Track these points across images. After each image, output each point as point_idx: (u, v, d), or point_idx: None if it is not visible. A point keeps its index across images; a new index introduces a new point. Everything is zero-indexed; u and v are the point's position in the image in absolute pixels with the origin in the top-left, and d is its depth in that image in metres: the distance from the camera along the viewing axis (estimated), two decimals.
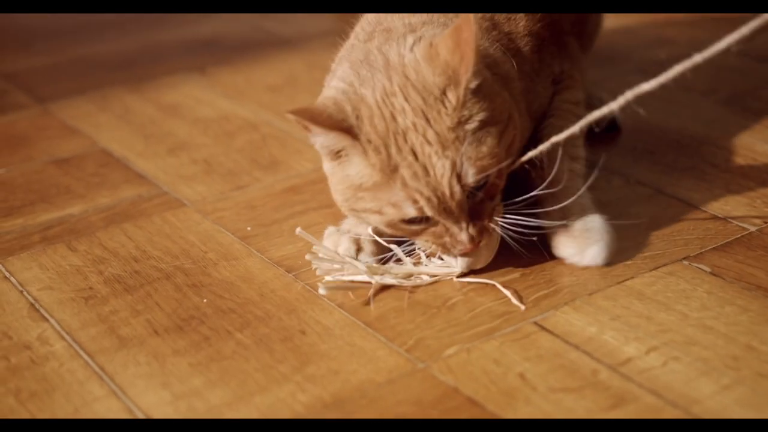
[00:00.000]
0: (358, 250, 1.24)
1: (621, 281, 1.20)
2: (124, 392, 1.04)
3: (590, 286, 1.20)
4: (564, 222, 1.24)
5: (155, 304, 1.19)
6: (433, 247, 1.18)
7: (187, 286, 1.22)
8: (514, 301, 1.17)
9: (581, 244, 1.23)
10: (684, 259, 1.25)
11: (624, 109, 1.67)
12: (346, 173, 1.15)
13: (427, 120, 1.11)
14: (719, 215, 1.35)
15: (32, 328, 1.15)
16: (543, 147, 1.19)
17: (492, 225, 1.17)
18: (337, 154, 1.14)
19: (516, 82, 1.27)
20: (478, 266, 1.23)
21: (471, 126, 1.12)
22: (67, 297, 1.20)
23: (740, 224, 1.32)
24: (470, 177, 1.12)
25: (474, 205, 1.15)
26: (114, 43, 2.14)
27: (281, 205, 1.41)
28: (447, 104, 1.12)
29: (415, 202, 1.12)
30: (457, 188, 1.12)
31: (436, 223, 1.15)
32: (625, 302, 1.16)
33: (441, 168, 1.11)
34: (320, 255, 1.22)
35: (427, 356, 1.08)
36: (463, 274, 1.22)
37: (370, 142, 1.12)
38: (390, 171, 1.12)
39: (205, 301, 1.19)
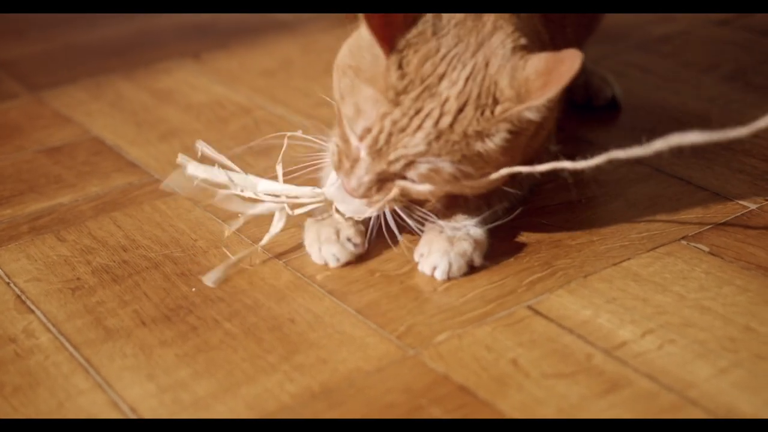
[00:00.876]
0: (338, 231, 1.22)
1: (617, 262, 1.18)
2: (109, 385, 1.02)
3: (586, 268, 1.17)
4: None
5: (143, 294, 1.17)
6: (334, 150, 1.16)
7: (175, 275, 1.20)
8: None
9: (434, 246, 1.18)
10: (682, 238, 1.22)
11: (623, 87, 1.65)
12: (361, 53, 1.12)
13: (461, 110, 1.08)
14: (719, 193, 1.32)
15: (18, 321, 1.13)
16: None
17: (379, 199, 1.14)
18: (364, 44, 1.12)
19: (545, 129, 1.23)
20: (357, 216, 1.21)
21: (479, 146, 1.09)
22: (54, 288, 1.19)
23: (740, 202, 1.30)
24: (413, 175, 1.11)
25: (386, 176, 1.12)
26: (108, 29, 2.11)
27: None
28: (487, 113, 1.08)
29: (368, 130, 1.10)
30: (397, 166, 1.10)
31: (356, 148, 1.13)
32: (621, 284, 1.14)
33: (412, 147, 1.08)
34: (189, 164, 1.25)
35: (418, 343, 1.06)
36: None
37: (400, 68, 1.08)
38: (392, 97, 1.08)
39: (193, 290, 1.17)
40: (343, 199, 1.19)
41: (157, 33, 2.08)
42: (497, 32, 1.11)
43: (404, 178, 1.12)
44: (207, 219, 1.32)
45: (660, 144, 1.06)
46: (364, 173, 1.13)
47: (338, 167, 1.16)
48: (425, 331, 1.08)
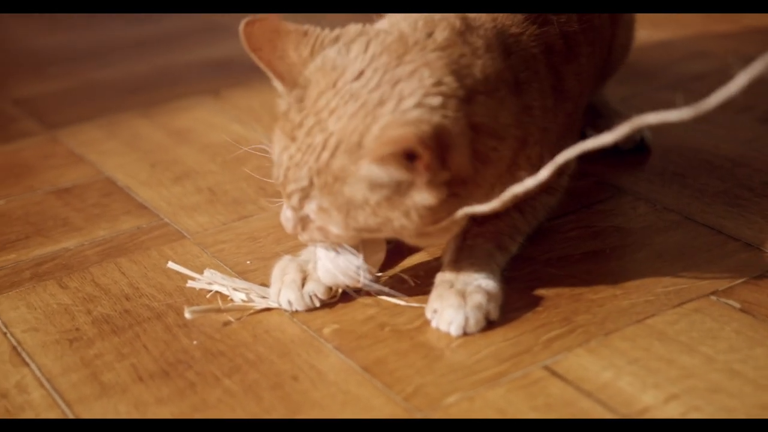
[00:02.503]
0: (305, 278, 1.17)
1: (641, 319, 1.11)
2: None
3: (608, 325, 1.11)
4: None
5: (143, 346, 1.12)
6: None
7: (177, 326, 1.15)
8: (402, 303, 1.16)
9: (447, 302, 1.12)
10: (712, 293, 1.15)
11: (653, 128, 1.59)
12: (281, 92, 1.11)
13: (337, 147, 1.02)
14: (753, 244, 1.25)
15: (11, 374, 1.09)
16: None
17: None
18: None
19: (534, 132, 1.15)
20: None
21: (350, 193, 1.03)
22: (52, 339, 1.14)
23: None
24: (308, 210, 1.08)
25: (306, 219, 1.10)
26: (127, 66, 2.09)
27: (284, 237, 1.34)
28: (358, 162, 1.02)
29: (276, 166, 1.09)
30: (295, 202, 1.08)
31: None
32: (644, 343, 1.07)
33: (298, 179, 1.06)
34: (199, 285, 1.22)
35: (426, 405, 1.00)
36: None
37: (300, 101, 1.06)
38: (290, 132, 1.06)
39: (195, 342, 1.12)
40: (333, 280, 1.16)
41: (177, 70, 2.06)
42: (414, 76, 1.04)
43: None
44: (215, 266, 1.27)
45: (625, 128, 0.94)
46: (285, 209, 1.11)
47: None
48: (434, 392, 1.02)
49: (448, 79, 1.04)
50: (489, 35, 1.12)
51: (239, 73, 1.98)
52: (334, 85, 1.05)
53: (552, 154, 1.17)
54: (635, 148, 1.53)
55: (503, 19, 1.16)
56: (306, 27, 1.09)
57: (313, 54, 1.07)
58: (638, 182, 1.43)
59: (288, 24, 1.09)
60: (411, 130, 0.99)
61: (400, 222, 1.05)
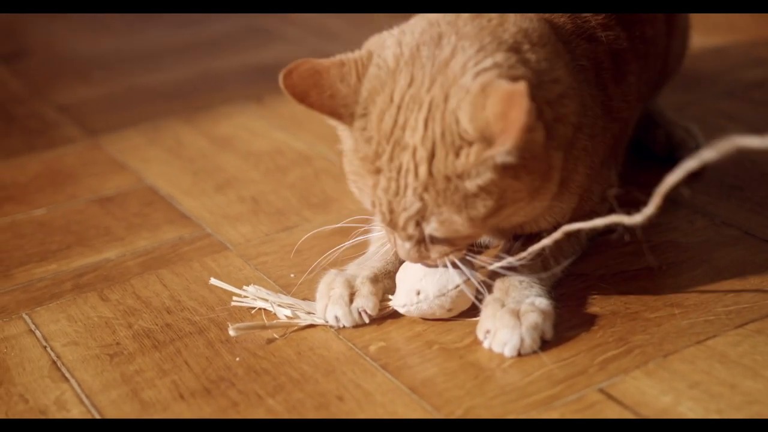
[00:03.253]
0: (353, 294, 1.14)
1: (701, 340, 1.06)
2: None
3: (666, 346, 1.06)
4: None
5: (184, 362, 1.09)
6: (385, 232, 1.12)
7: (220, 342, 1.12)
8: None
9: (501, 322, 1.08)
10: None
11: (709, 138, 1.53)
12: (341, 133, 1.08)
13: (432, 154, 1.00)
14: None
15: (51, 390, 1.06)
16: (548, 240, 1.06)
17: (439, 261, 1.08)
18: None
19: (584, 131, 1.12)
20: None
21: (468, 186, 1.00)
22: (92, 354, 1.12)
23: None
24: (430, 230, 1.04)
25: (422, 238, 1.06)
26: (171, 71, 2.07)
27: (329, 249, 1.30)
28: (462, 154, 0.99)
29: (373, 205, 1.05)
30: (410, 228, 1.04)
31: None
32: (705, 366, 1.02)
33: (408, 204, 1.02)
34: (243, 302, 1.19)
35: None
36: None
37: (364, 131, 1.03)
38: (372, 168, 1.03)
39: (237, 359, 1.09)
40: (422, 315, 1.13)
41: (219, 75, 2.03)
42: (456, 56, 1.02)
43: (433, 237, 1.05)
44: (257, 279, 1.25)
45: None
46: (401, 243, 1.07)
47: (391, 243, 1.11)
48: (485, 414, 0.98)
49: (483, 54, 1.01)
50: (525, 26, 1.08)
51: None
52: (392, 100, 1.02)
53: (593, 173, 1.15)
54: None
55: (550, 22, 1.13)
56: (339, 57, 1.05)
57: (360, 78, 1.04)
58: (695, 195, 1.38)
59: (322, 61, 1.05)
60: (520, 91, 0.94)
61: (512, 190, 1.02)
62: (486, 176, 1.00)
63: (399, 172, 1.01)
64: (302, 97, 1.04)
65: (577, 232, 1.21)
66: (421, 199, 1.01)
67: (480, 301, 1.11)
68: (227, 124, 1.77)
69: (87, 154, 1.68)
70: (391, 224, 1.05)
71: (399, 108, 1.01)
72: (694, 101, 1.72)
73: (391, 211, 1.04)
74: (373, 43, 1.08)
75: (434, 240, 1.06)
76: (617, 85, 1.20)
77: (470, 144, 0.99)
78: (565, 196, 1.13)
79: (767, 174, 1.43)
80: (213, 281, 1.21)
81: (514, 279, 1.12)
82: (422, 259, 1.08)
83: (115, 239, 1.38)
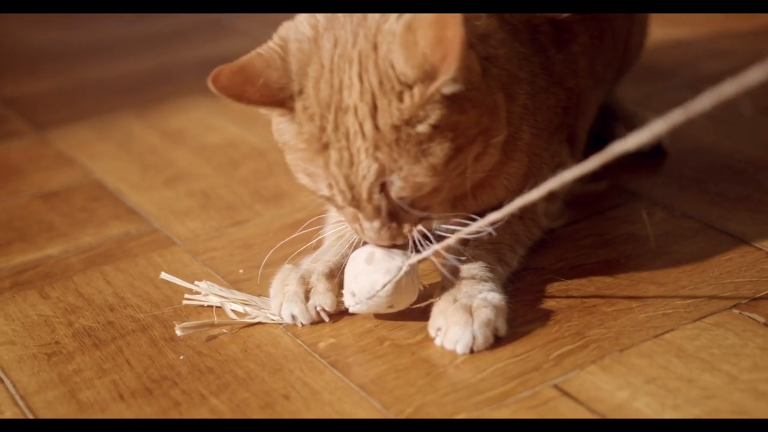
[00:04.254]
0: (308, 290, 1.10)
1: (659, 334, 1.04)
2: None
3: (623, 340, 1.03)
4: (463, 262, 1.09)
5: (125, 361, 1.05)
6: (348, 224, 1.07)
7: (163, 339, 1.08)
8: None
9: (452, 318, 1.04)
10: (734, 307, 1.08)
11: (670, 130, 1.51)
12: (279, 127, 1.03)
13: (374, 107, 0.96)
14: None
15: None
16: (507, 209, 0.99)
17: (410, 235, 1.04)
18: (270, 114, 1.03)
19: (523, 86, 1.10)
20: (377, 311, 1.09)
21: (420, 130, 0.96)
22: (29, 353, 1.07)
23: None
24: (396, 191, 1.00)
25: (395, 209, 1.02)
26: (124, 64, 2.02)
27: (280, 244, 1.27)
28: (405, 98, 0.96)
29: (330, 186, 1.01)
30: (376, 196, 1.00)
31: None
32: (662, 360, 1.00)
33: (365, 169, 0.98)
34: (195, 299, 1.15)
35: None
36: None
37: (306, 108, 0.99)
38: (318, 146, 0.99)
39: (181, 357, 1.05)
40: (367, 312, 1.10)
41: (174, 68, 1.99)
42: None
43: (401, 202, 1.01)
44: (205, 275, 1.21)
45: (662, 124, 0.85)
46: (370, 225, 1.03)
47: (357, 233, 1.07)
48: (436, 413, 0.94)
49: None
50: None
51: None
52: (322, 65, 0.98)
53: (539, 134, 1.11)
54: (651, 152, 1.45)
55: None
56: (254, 51, 1.01)
57: (284, 58, 1.00)
58: (654, 187, 1.35)
59: (241, 59, 1.01)
60: (449, 14, 0.91)
61: (463, 127, 0.98)
62: (434, 114, 0.96)
63: (347, 138, 0.98)
64: (239, 96, 1.00)
65: (532, 214, 1.18)
66: (376, 159, 0.97)
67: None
68: (180, 117, 1.73)
69: (34, 149, 1.63)
70: (355, 201, 1.01)
71: (331, 71, 0.98)
72: (656, 93, 1.69)
73: (351, 187, 0.99)
74: (283, 28, 1.04)
75: (401, 208, 1.02)
76: (558, 50, 1.18)
77: (410, 86, 0.96)
78: (516, 154, 1.11)
79: (728, 166, 1.41)
80: (163, 275, 1.17)
81: (466, 273, 1.09)
82: (394, 238, 1.04)
83: (58, 235, 1.34)
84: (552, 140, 1.18)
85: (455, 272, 1.09)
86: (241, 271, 1.22)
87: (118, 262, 1.25)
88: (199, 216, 1.37)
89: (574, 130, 1.25)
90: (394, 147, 0.97)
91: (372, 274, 1.06)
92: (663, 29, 1.91)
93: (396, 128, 0.96)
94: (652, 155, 1.45)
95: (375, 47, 0.97)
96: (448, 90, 0.96)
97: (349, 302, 1.08)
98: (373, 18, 0.98)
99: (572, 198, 1.28)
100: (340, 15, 1.00)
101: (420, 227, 1.04)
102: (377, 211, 1.02)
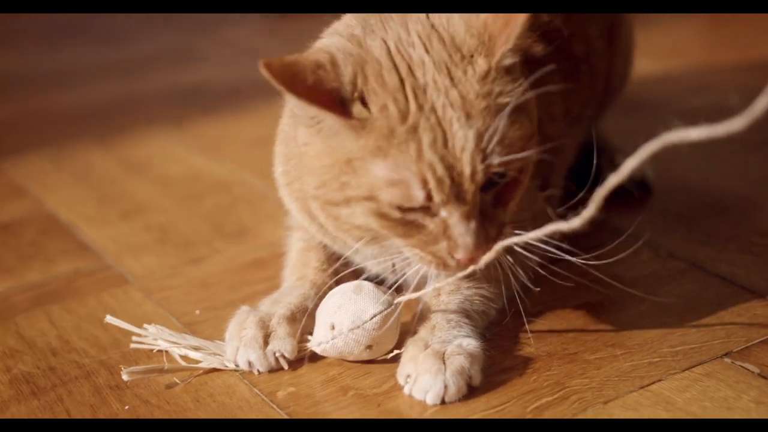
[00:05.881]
0: (268, 335, 1.02)
1: (645, 385, 0.97)
2: None
3: (607, 392, 0.96)
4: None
5: (64, 411, 0.96)
6: (422, 256, 0.95)
7: (109, 387, 1.00)
8: None
9: (423, 366, 0.96)
10: (725, 355, 1.01)
11: (656, 165, 1.45)
12: (331, 145, 0.92)
13: (452, 79, 0.92)
14: None
15: None
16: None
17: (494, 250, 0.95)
18: (320, 127, 0.93)
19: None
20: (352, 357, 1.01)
21: (504, 101, 0.92)
22: None
23: None
24: (496, 157, 0.90)
25: (484, 205, 0.94)
26: (87, 92, 1.95)
27: (240, 283, 1.19)
28: (476, 68, 0.92)
29: (425, 182, 0.90)
30: (479, 167, 0.90)
31: (434, 217, 0.92)
32: (649, 414, 0.93)
33: (463, 139, 0.90)
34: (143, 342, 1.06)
35: None
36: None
37: (374, 105, 0.90)
38: (404, 132, 0.90)
39: (126, 408, 0.96)
40: (340, 354, 1.01)
41: (139, 97, 1.93)
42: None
43: (489, 190, 0.94)
44: (158, 316, 1.12)
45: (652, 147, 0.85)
46: (472, 226, 0.92)
47: (440, 260, 0.95)
48: None
49: None
50: None
51: (208, 102, 1.85)
52: (379, 61, 0.93)
53: None
54: (637, 187, 1.38)
55: None
56: (301, 54, 0.94)
57: (334, 63, 0.92)
58: (639, 225, 1.27)
59: (289, 56, 0.93)
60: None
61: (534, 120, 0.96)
62: (509, 87, 0.93)
63: (434, 112, 0.91)
64: (291, 84, 0.90)
65: (522, 258, 1.11)
66: (471, 125, 0.90)
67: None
68: (143, 147, 1.66)
69: None
70: (455, 188, 0.91)
71: (392, 60, 0.93)
72: (640, 127, 1.63)
73: (450, 168, 0.90)
74: (318, 44, 0.98)
75: (490, 207, 0.94)
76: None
77: (472, 56, 0.94)
78: None
79: (717, 203, 1.34)
80: (109, 319, 1.08)
81: (441, 317, 1.01)
82: (488, 242, 0.94)
83: (2, 271, 1.26)
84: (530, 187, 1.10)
85: (431, 318, 1.02)
86: (197, 312, 1.14)
87: (65, 301, 1.17)
88: (155, 252, 1.30)
89: (549, 178, 1.19)
90: (485, 114, 0.91)
91: (360, 302, 0.99)
92: (647, 62, 1.86)
93: (482, 97, 0.92)
94: (637, 191, 1.38)
95: (433, 26, 0.96)
96: (508, 61, 0.94)
97: (323, 338, 1.00)
98: (418, 16, 0.97)
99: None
100: (369, 20, 0.97)
101: (509, 233, 0.96)
102: (475, 198, 0.92)
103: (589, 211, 0.88)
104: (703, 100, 1.76)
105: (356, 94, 0.91)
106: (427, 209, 0.92)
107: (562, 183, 1.25)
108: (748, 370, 0.98)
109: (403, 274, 1.05)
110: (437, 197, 0.91)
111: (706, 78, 1.90)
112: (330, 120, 0.91)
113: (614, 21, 1.34)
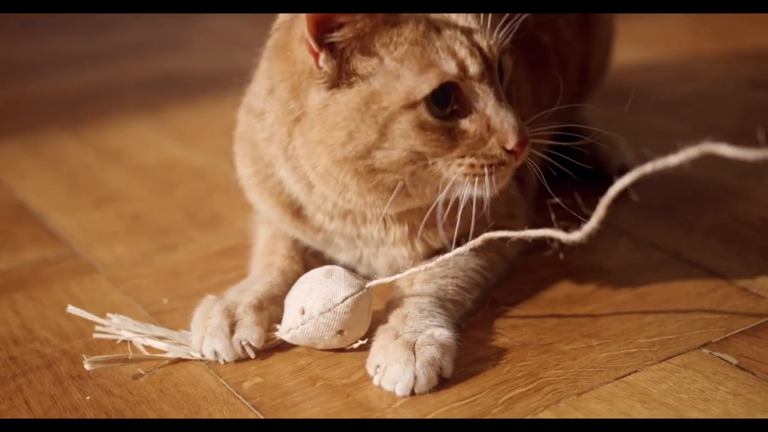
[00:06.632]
0: (234, 324, 0.99)
1: (621, 376, 0.94)
2: None
3: (581, 383, 0.94)
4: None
5: (24, 402, 0.93)
6: (469, 166, 0.94)
7: (70, 377, 0.97)
8: None
9: (392, 356, 0.94)
10: (704, 346, 0.98)
11: (639, 154, 1.42)
12: (360, 90, 0.92)
13: None
14: (751, 289, 1.09)
15: None
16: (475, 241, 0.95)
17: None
18: (349, 75, 0.93)
19: None
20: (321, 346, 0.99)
21: None
22: None
23: None
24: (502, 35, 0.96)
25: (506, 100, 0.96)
26: (63, 80, 1.93)
27: (211, 272, 1.17)
28: None
29: (454, 53, 0.93)
30: (491, 42, 0.95)
31: (472, 115, 0.93)
32: (624, 406, 0.90)
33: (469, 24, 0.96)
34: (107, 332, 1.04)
35: None
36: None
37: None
38: (427, 30, 0.93)
39: (88, 398, 0.94)
40: (311, 340, 0.99)
41: (116, 85, 1.90)
42: None
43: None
44: (125, 305, 1.10)
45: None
46: (505, 110, 0.94)
47: (499, 162, 0.95)
48: None
49: None
50: None
51: (186, 89, 1.82)
52: None
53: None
54: (618, 175, 1.35)
55: None
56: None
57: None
58: (619, 215, 1.26)
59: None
60: None
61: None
62: None
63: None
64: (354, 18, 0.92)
65: (500, 248, 1.08)
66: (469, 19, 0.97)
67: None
68: (119, 135, 1.63)
69: None
70: (481, 55, 0.94)
71: None
72: (624, 115, 1.60)
73: (472, 43, 0.94)
74: None
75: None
76: None
77: None
78: None
79: (700, 193, 1.32)
80: (71, 309, 1.05)
81: (414, 306, 0.99)
82: (525, 128, 0.96)
83: None
84: None
85: (403, 306, 0.99)
86: (165, 300, 1.11)
87: (30, 289, 1.14)
88: (126, 240, 1.27)
89: (522, 167, 1.17)
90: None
91: (332, 286, 0.97)
92: (633, 51, 1.84)
93: None
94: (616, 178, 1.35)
95: None
96: None
97: (293, 323, 0.97)
98: None
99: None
100: None
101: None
102: (495, 72, 0.95)
103: (591, 223, 0.88)
104: (688, 89, 1.73)
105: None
106: (460, 107, 0.93)
107: (536, 175, 1.24)
108: (726, 361, 0.96)
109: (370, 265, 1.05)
110: (472, 68, 0.93)
111: (690, 67, 1.87)
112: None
113: None
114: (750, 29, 2.09)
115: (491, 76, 0.94)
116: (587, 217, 0.89)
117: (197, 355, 0.99)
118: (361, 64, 0.92)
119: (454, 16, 0.94)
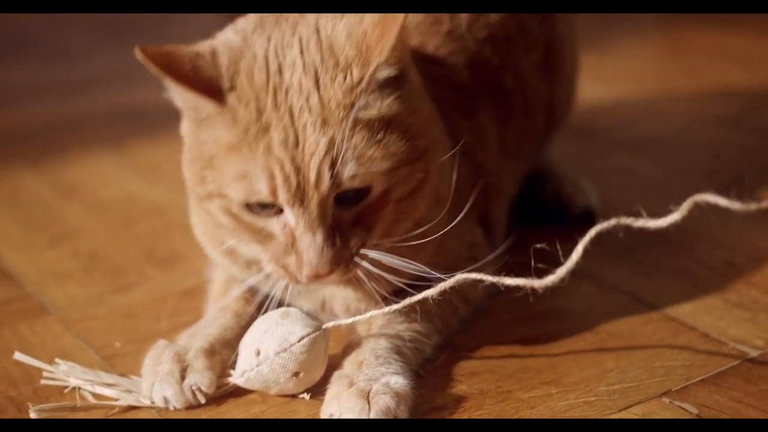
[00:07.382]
0: (185, 369, 0.97)
1: None
2: None
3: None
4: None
5: None
6: (275, 268, 0.95)
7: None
8: None
9: (346, 405, 0.91)
10: (664, 394, 0.97)
11: (604, 194, 1.42)
12: (201, 139, 0.93)
13: (317, 82, 0.91)
14: (712, 335, 1.07)
15: None
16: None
17: (356, 264, 0.94)
18: (199, 117, 0.94)
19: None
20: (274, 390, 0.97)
21: (368, 115, 0.91)
22: None
23: (738, 347, 1.05)
24: (348, 172, 0.90)
25: (341, 222, 0.92)
26: (23, 112, 1.90)
27: (166, 313, 1.14)
28: (347, 77, 0.91)
29: (272, 177, 0.90)
30: (326, 176, 0.90)
31: (284, 227, 0.92)
32: None
33: (314, 144, 0.90)
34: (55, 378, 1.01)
35: None
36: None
37: (240, 100, 0.91)
38: (257, 130, 0.90)
39: None
40: (266, 383, 0.96)
41: (77, 118, 1.88)
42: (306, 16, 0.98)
43: (347, 207, 0.92)
44: (76, 348, 1.07)
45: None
46: (312, 238, 0.91)
47: (291, 272, 0.94)
48: None
49: None
50: None
51: (150, 123, 1.80)
52: (255, 57, 0.93)
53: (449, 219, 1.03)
54: (580, 216, 1.35)
55: None
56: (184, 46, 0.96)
57: (215, 55, 0.94)
58: (582, 255, 1.24)
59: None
60: (395, 16, 0.92)
61: (415, 135, 0.95)
62: (382, 103, 0.93)
63: (291, 115, 0.91)
64: (167, 67, 0.92)
65: (464, 293, 1.07)
66: (325, 132, 0.89)
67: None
68: (78, 170, 1.61)
69: None
70: (299, 192, 0.90)
71: (266, 59, 0.94)
72: (590, 155, 1.60)
73: (297, 169, 0.89)
74: (207, 42, 0.98)
75: (347, 223, 0.93)
76: (466, 118, 1.11)
77: (350, 65, 0.92)
78: (434, 205, 1.02)
79: (662, 234, 1.30)
80: (17, 356, 1.02)
81: (370, 353, 0.97)
82: (337, 263, 0.92)
83: None
84: (462, 220, 1.06)
85: (358, 352, 0.97)
86: (117, 344, 1.08)
87: None
88: (80, 280, 1.25)
89: (488, 211, 1.15)
90: (344, 125, 0.90)
91: (288, 326, 0.96)
92: (599, 88, 1.84)
93: (342, 106, 0.90)
94: (581, 220, 1.34)
95: (317, 30, 0.95)
96: (383, 75, 0.92)
97: (247, 365, 0.95)
98: (312, 16, 0.97)
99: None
100: (267, 18, 0.98)
101: (364, 251, 0.95)
102: (323, 209, 0.91)
103: (565, 267, 0.89)
104: (655, 128, 1.74)
105: (231, 86, 0.92)
106: (273, 210, 0.92)
107: (504, 216, 1.22)
108: (686, 410, 0.94)
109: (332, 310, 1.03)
110: (282, 195, 0.90)
111: (659, 105, 1.87)
112: (208, 107, 0.92)
113: (552, 50, 1.31)
114: (718, 66, 2.09)
115: (308, 205, 0.90)
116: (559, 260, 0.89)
117: (147, 402, 0.97)
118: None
119: (308, 132, 0.90)
